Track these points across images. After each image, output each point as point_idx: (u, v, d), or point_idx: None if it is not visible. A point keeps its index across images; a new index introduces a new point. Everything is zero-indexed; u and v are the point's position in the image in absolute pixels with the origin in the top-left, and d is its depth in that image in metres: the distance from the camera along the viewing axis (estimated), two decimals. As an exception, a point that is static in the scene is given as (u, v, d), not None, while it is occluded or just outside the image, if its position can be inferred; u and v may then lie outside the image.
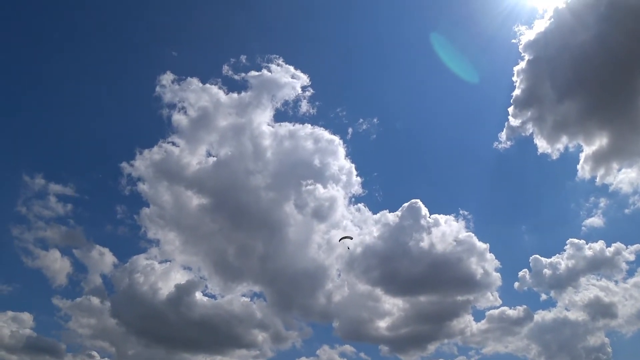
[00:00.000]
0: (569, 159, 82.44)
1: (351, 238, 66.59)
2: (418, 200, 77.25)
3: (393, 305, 78.22)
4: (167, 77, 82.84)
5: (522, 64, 66.35)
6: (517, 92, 67.84)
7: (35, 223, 79.84)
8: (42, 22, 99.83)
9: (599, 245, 77.88)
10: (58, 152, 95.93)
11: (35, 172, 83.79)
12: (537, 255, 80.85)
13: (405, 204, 77.90)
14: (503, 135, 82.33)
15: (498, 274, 76.60)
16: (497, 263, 77.11)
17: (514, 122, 71.20)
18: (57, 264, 78.73)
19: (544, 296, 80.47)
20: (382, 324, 77.46)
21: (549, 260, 79.69)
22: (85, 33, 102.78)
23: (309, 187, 77.02)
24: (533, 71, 64.89)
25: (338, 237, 78.20)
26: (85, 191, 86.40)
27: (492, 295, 77.48)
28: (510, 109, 70.10)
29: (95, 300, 76.45)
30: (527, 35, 66.69)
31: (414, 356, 78.03)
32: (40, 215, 79.98)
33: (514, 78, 68.03)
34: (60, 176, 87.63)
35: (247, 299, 78.24)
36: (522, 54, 65.95)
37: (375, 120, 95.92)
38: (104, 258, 79.58)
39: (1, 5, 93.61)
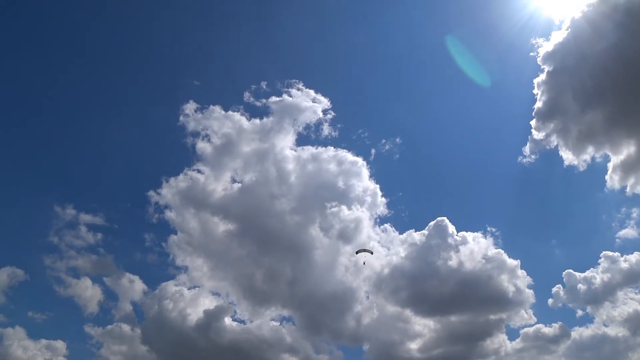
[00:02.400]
0: (597, 170, 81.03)
1: (371, 252, 65.06)
2: (445, 218, 76.85)
3: (424, 326, 76.78)
4: (190, 106, 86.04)
5: (542, 76, 66.42)
6: (538, 104, 67.76)
7: (67, 252, 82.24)
8: (67, 60, 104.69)
9: (634, 257, 75.96)
10: (87, 183, 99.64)
11: (66, 203, 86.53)
12: (571, 270, 79.44)
13: (432, 223, 77.53)
14: (527, 149, 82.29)
15: (531, 291, 75.21)
16: (529, 279, 75.80)
17: (537, 135, 70.60)
18: (88, 292, 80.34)
19: (580, 312, 78.52)
20: (414, 345, 75.85)
21: (583, 274, 78.20)
22: (108, 68, 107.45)
23: (333, 209, 77.33)
24: (554, 82, 64.90)
25: (365, 259, 78.11)
26: (115, 220, 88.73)
27: (526, 312, 75.77)
28: (533, 122, 69.89)
29: (126, 328, 77.32)
30: (545, 47, 66.90)
31: (448, 378, 76.08)
32: (72, 244, 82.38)
33: (535, 90, 68.10)
34: (90, 206, 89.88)
35: (276, 323, 77.67)
36: (542, 66, 66.06)
37: (397, 140, 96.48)
38: (134, 285, 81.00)
39: (30, 51, 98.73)
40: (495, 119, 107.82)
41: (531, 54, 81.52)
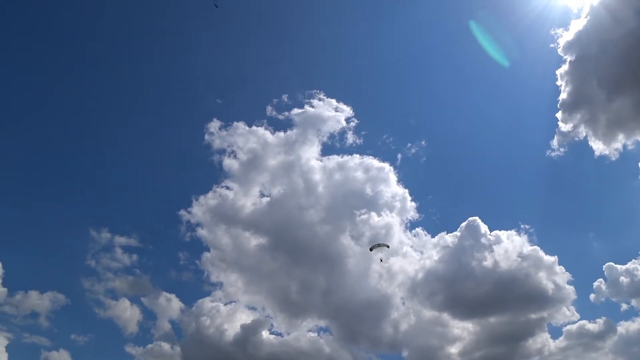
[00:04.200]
0: (630, 158, 79.19)
1: (387, 246, 60.57)
2: (476, 218, 75.71)
3: (463, 330, 75.13)
4: (214, 125, 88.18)
5: (565, 67, 65.87)
6: (563, 95, 67.25)
7: (104, 275, 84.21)
8: (89, 87, 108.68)
9: (677, 245, 73.19)
10: (121, 207, 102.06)
11: (101, 227, 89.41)
12: (611, 263, 77.46)
13: (463, 224, 76.36)
14: (555, 142, 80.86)
15: (571, 287, 73.38)
16: (568, 275, 74.00)
17: (564, 127, 69.89)
18: (127, 313, 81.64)
19: (624, 306, 76.15)
20: (453, 349, 74.19)
21: (624, 266, 76.15)
22: (130, 92, 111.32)
23: (363, 217, 77.32)
24: (577, 72, 64.37)
25: (398, 264, 77.43)
26: (149, 241, 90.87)
27: (568, 309, 73.95)
28: (559, 114, 69.09)
29: (166, 346, 77.77)
30: (565, 36, 66.45)
31: (492, 381, 74.25)
32: (109, 267, 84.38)
33: (558, 82, 67.48)
34: (124, 229, 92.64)
35: (313, 334, 77.29)
36: (563, 57, 65.57)
37: (423, 142, 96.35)
38: (171, 304, 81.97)
39: (59, 79, 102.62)
40: (520, 114, 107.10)
41: (551, 45, 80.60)
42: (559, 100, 68.03)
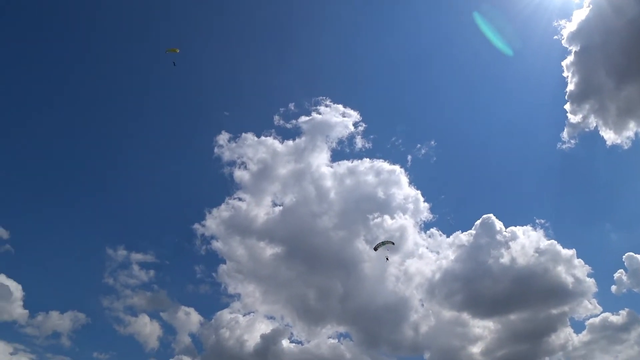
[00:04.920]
0: (642, 145, 77.62)
1: (393, 243, 57.29)
2: (491, 215, 75.21)
3: (483, 328, 74.11)
4: (223, 137, 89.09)
5: (570, 58, 65.43)
6: (570, 87, 66.78)
7: (123, 292, 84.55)
8: (101, 113, 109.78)
9: (696, 231, 71.97)
10: (135, 224, 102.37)
11: (117, 244, 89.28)
12: (631, 253, 76.29)
13: (478, 221, 75.78)
14: (565, 134, 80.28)
15: (592, 280, 72.39)
16: (588, 268, 73.10)
17: (573, 118, 69.39)
18: (147, 329, 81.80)
19: (647, 296, 74.24)
20: (475, 349, 73.27)
21: (644, 256, 74.20)
22: (139, 108, 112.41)
23: (376, 221, 77.04)
24: (583, 62, 64.07)
25: (414, 266, 76.83)
26: (165, 256, 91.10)
27: (590, 302, 72.74)
28: (567, 106, 68.54)
29: (187, 360, 78.24)
30: (568, 27, 66.14)
31: (516, 379, 73.21)
32: (126, 283, 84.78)
33: (564, 74, 67.05)
34: (140, 245, 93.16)
35: (334, 341, 76.65)
36: (568, 48, 65.20)
37: (432, 142, 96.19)
38: (190, 317, 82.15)
39: (68, 101, 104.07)
40: (528, 108, 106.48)
41: (555, 37, 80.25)
42: (566, 92, 67.77)
